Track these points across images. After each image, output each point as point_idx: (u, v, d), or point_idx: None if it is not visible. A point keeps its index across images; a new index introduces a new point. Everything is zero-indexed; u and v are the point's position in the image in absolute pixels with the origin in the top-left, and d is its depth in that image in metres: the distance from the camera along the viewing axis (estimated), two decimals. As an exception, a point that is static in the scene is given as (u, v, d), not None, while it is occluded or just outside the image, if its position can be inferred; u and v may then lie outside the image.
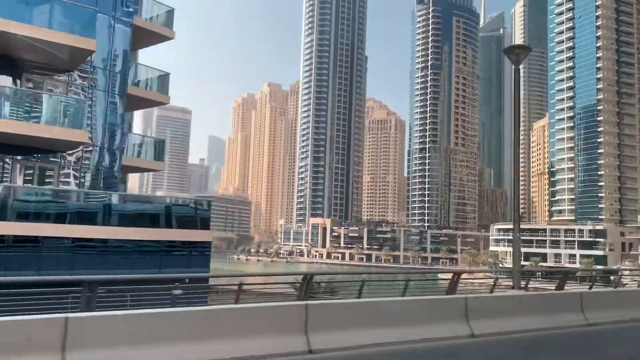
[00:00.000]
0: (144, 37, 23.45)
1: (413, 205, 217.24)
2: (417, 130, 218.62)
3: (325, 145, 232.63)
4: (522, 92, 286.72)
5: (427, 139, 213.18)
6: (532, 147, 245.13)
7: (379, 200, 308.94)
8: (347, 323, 9.35)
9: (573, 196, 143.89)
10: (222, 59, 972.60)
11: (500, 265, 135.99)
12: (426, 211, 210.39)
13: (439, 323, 10.24)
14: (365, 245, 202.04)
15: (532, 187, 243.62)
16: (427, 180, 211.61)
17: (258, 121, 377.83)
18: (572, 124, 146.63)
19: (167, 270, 17.41)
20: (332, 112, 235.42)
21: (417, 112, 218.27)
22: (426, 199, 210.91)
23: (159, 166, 25.86)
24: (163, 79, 25.10)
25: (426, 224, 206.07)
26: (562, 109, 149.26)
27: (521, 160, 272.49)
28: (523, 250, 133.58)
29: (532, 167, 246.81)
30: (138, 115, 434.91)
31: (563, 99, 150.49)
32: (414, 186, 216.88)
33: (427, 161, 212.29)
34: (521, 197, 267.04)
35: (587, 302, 12.78)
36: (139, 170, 27.15)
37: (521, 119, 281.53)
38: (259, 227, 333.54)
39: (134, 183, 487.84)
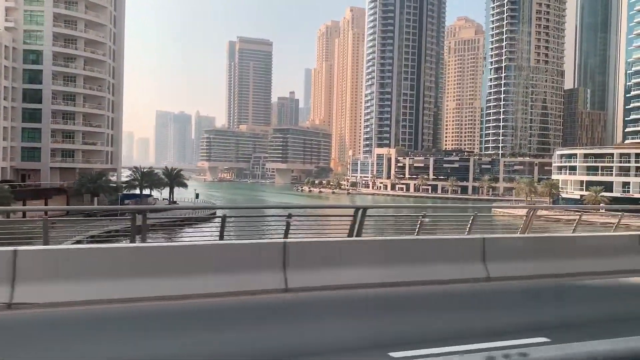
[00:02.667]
0: None
1: (487, 132, 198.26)
2: (492, 48, 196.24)
3: (392, 69, 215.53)
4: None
5: (504, 57, 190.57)
6: None
7: (465, 128, 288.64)
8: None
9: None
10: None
11: (559, 196, 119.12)
12: (500, 137, 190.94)
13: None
14: (431, 176, 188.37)
15: None
16: (502, 103, 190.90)
17: (341, 49, 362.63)
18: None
19: None
20: (399, 32, 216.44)
21: (493, 27, 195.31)
22: (501, 124, 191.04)
23: None
24: None
25: (500, 152, 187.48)
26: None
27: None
28: (585, 178, 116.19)
29: None
30: (224, 50, 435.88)
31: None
32: (489, 110, 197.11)
33: (502, 82, 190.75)
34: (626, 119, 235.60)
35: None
36: None
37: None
38: (343, 159, 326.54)
39: (222, 118, 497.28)
